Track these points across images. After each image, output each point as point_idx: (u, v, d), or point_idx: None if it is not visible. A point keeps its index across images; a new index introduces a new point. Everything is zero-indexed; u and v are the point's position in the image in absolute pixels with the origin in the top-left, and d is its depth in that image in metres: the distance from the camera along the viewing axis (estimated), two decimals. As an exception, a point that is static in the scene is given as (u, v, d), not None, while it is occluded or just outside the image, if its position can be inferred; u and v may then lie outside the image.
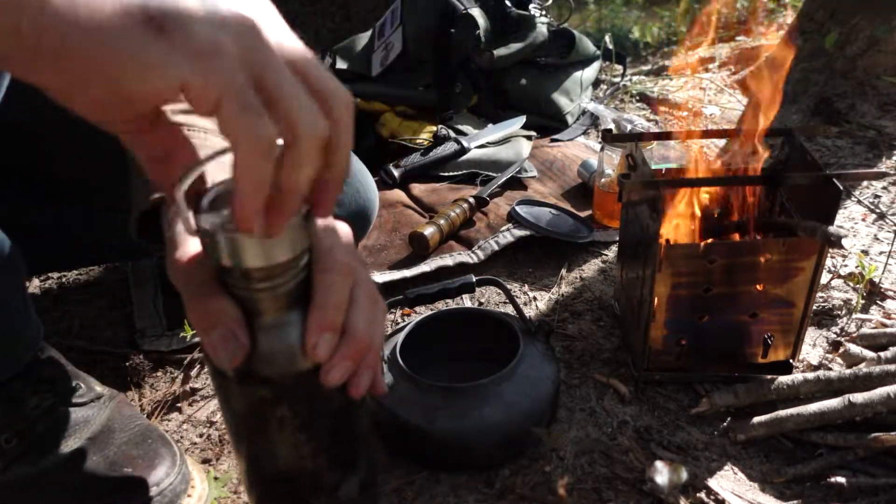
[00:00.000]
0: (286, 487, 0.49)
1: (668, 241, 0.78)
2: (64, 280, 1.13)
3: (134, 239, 0.56)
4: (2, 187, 0.82)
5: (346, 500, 0.51)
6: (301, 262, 0.41)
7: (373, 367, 0.45)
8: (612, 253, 1.13)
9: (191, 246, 0.43)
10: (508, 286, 1.01)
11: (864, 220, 1.19)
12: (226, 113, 0.33)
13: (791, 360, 0.83)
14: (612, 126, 1.42)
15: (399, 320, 1.00)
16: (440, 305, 0.99)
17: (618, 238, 1.06)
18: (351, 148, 0.39)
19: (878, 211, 1.21)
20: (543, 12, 1.60)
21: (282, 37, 0.39)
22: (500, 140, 1.41)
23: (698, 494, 0.70)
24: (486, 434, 0.71)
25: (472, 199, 1.19)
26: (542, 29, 1.55)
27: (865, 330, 0.89)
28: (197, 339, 0.92)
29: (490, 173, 1.34)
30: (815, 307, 0.96)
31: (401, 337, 0.80)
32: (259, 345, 0.41)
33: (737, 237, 0.85)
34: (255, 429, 0.46)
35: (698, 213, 0.82)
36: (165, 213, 0.50)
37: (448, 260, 1.09)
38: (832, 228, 0.71)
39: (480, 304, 1.03)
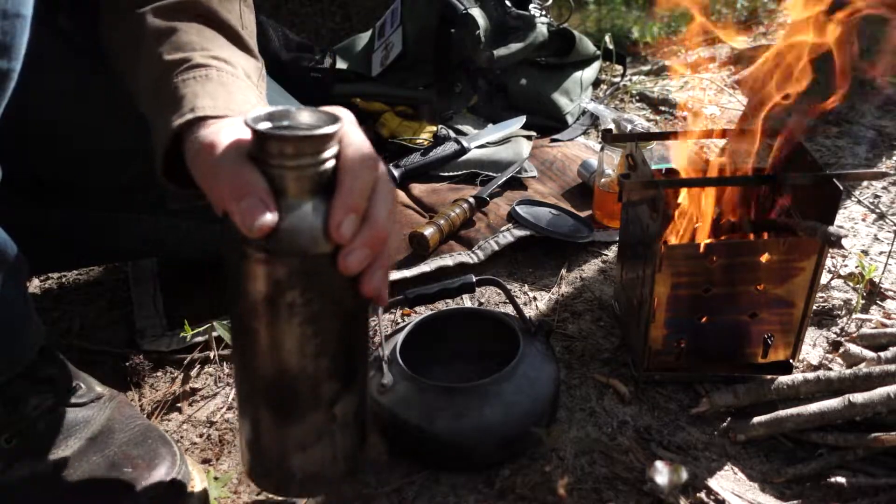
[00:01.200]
0: (282, 394, 0.49)
1: (665, 241, 0.78)
2: (64, 280, 1.13)
3: (160, 182, 0.61)
4: (3, 188, 0.82)
5: (341, 423, 0.51)
6: (329, 152, 0.44)
7: (385, 267, 0.48)
8: (612, 253, 1.13)
9: (223, 137, 0.49)
10: (508, 286, 1.01)
11: (864, 220, 1.19)
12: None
13: (791, 360, 0.83)
14: (612, 126, 1.42)
15: (399, 320, 1.00)
16: (440, 305, 1.00)
17: (618, 238, 1.06)
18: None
19: (878, 211, 1.21)
20: (543, 12, 1.60)
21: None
22: (500, 140, 1.41)
23: (698, 494, 0.70)
24: (486, 434, 0.71)
25: (472, 199, 1.19)
26: (542, 29, 1.55)
27: (865, 330, 0.89)
28: (197, 339, 0.92)
29: (490, 173, 1.34)
30: (815, 307, 0.96)
31: (401, 337, 0.80)
32: (283, 222, 0.44)
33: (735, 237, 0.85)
34: (264, 316, 0.46)
35: (706, 213, 0.82)
36: (190, 140, 0.54)
37: (448, 260, 1.09)
38: (832, 228, 0.71)
39: (480, 304, 1.03)
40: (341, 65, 1.62)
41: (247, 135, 0.46)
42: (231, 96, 0.59)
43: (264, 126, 0.44)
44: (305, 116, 0.46)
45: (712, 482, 0.71)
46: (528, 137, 1.47)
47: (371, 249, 0.46)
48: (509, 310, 0.97)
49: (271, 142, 0.43)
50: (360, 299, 0.48)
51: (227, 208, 0.45)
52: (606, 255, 1.13)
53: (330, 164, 0.45)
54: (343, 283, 0.46)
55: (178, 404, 0.86)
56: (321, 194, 0.45)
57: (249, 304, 0.46)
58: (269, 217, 0.43)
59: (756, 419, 0.77)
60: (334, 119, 0.45)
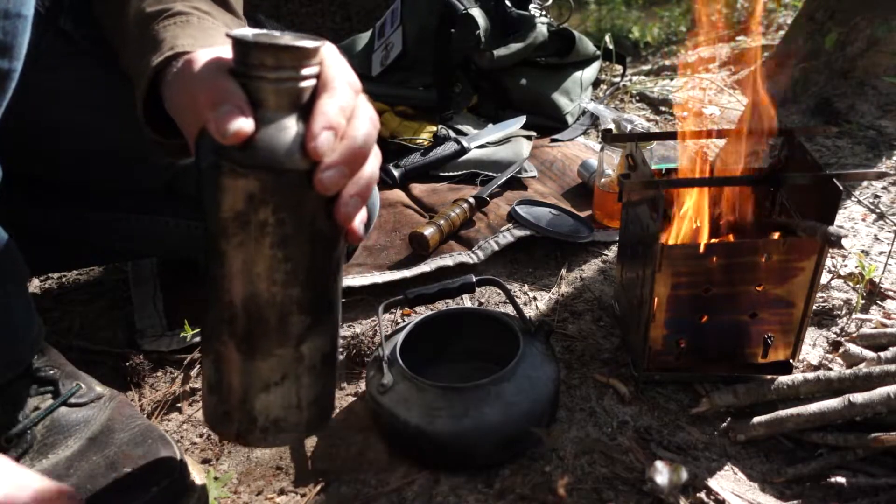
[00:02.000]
0: (248, 324, 0.48)
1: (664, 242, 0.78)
2: (64, 280, 1.13)
3: (141, 123, 0.60)
4: (3, 189, 0.83)
5: (308, 364, 0.50)
6: (310, 69, 0.45)
7: (361, 196, 0.47)
8: (612, 253, 1.13)
9: (201, 55, 0.49)
10: (508, 286, 1.01)
11: (864, 220, 1.19)
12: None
13: (791, 360, 0.83)
14: (612, 126, 1.42)
15: (399, 320, 1.00)
16: (440, 305, 1.00)
17: (618, 238, 1.06)
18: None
19: (878, 211, 1.21)
20: (543, 12, 1.60)
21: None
22: (500, 140, 1.41)
23: (698, 494, 0.70)
24: (486, 434, 0.71)
25: (472, 199, 1.19)
26: (542, 29, 1.55)
27: (865, 330, 0.89)
28: (197, 340, 0.92)
29: (490, 173, 1.34)
30: (815, 307, 0.96)
31: (401, 337, 0.80)
32: (259, 135, 0.43)
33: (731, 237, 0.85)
34: (234, 236, 0.45)
35: (705, 213, 0.82)
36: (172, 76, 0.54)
37: (448, 260, 1.09)
38: (832, 228, 0.71)
39: (480, 303, 1.03)
40: (341, 65, 1.62)
41: (227, 55, 0.47)
42: (211, 39, 0.60)
43: (246, 36, 0.44)
44: (289, 37, 0.45)
45: (712, 482, 0.71)
46: (528, 137, 1.47)
47: (348, 169, 0.45)
48: (509, 310, 0.97)
49: (252, 51, 0.43)
50: (334, 226, 0.47)
51: (203, 117, 0.44)
52: (606, 255, 1.13)
53: (310, 82, 0.45)
54: (318, 204, 0.45)
55: (178, 404, 0.86)
56: (300, 112, 0.45)
57: (220, 222, 0.45)
58: (245, 122, 0.42)
59: (756, 419, 0.76)
60: (317, 41, 0.45)
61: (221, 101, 0.43)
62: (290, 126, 0.44)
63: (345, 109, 0.46)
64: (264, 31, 0.45)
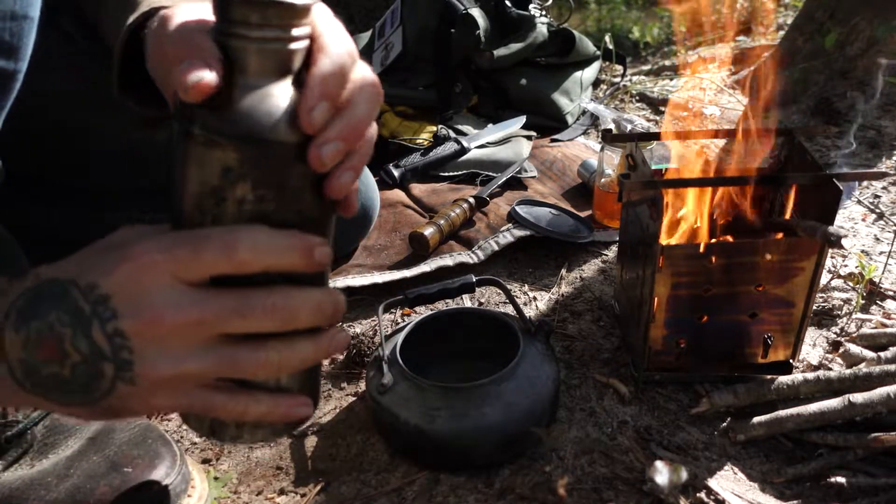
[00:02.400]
0: None
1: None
2: (64, 280, 1.13)
3: (114, 88, 0.58)
4: (6, 190, 0.83)
5: None
6: (300, 30, 0.40)
7: (356, 169, 0.43)
8: (612, 253, 1.13)
9: (181, 11, 0.45)
10: (508, 286, 1.01)
11: (864, 220, 1.19)
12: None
13: (791, 360, 0.83)
14: (612, 126, 1.42)
15: (399, 320, 1.00)
16: (440, 305, 1.00)
17: (618, 238, 1.06)
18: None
19: (878, 211, 1.21)
20: (543, 12, 1.60)
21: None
22: (500, 140, 1.41)
23: (698, 494, 0.70)
24: (486, 434, 0.71)
25: (472, 199, 1.19)
26: (542, 29, 1.55)
27: (865, 330, 0.89)
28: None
29: (490, 173, 1.34)
30: (815, 307, 0.96)
31: (401, 337, 0.80)
32: (240, 102, 0.39)
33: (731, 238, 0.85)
34: (208, 213, 0.40)
35: (704, 213, 0.82)
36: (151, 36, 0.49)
37: (448, 260, 1.09)
38: (832, 228, 0.71)
39: (480, 304, 1.03)
40: (341, 65, 1.62)
41: (209, 16, 0.42)
42: None
43: None
44: None
45: (712, 482, 0.71)
46: (528, 137, 1.47)
47: (346, 144, 0.41)
48: (509, 310, 0.97)
49: (234, 6, 0.38)
50: (322, 206, 0.43)
51: (172, 76, 0.40)
52: (606, 255, 1.13)
53: (300, 44, 0.40)
54: (304, 181, 0.41)
55: (178, 404, 0.86)
56: (288, 78, 0.40)
57: (191, 198, 0.40)
58: (207, 74, 0.38)
59: (756, 419, 0.76)
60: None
61: (188, 57, 0.39)
62: (277, 93, 0.40)
63: (341, 75, 0.41)
64: None
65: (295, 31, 0.40)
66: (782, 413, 0.76)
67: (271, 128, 0.39)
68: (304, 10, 0.40)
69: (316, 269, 0.42)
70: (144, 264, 0.40)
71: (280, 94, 0.40)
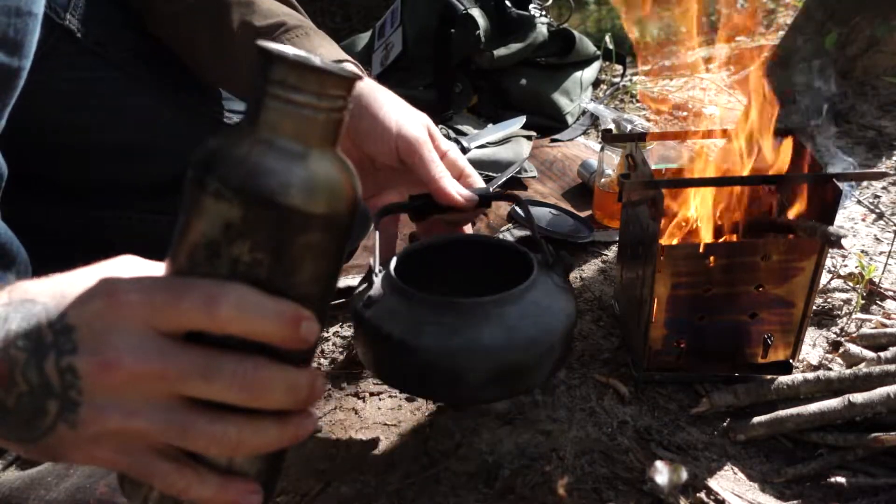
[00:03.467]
0: None
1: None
2: (64, 280, 1.13)
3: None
4: (9, 188, 0.83)
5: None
6: (338, 101, 0.39)
7: None
8: (612, 253, 1.13)
9: None
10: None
11: (863, 220, 1.19)
12: None
13: (791, 360, 0.83)
14: (612, 126, 1.42)
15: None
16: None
17: (618, 238, 1.06)
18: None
19: (878, 211, 1.21)
20: (543, 12, 1.60)
21: None
22: (500, 140, 1.41)
23: (698, 494, 0.70)
24: (481, 357, 0.61)
25: (472, 199, 1.19)
26: (542, 29, 1.55)
27: (865, 330, 0.90)
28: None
29: (490, 173, 1.34)
30: (815, 307, 0.96)
31: (400, 254, 0.72)
32: (257, 157, 0.37)
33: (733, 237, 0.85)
34: (198, 266, 0.39)
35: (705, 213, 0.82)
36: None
37: (448, 260, 1.08)
38: (832, 228, 0.71)
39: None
40: (341, 65, 1.62)
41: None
42: (333, 46, 0.74)
43: (280, 51, 0.38)
44: (321, 61, 0.39)
45: (712, 482, 0.71)
46: (528, 137, 1.47)
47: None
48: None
49: (273, 64, 0.37)
50: (321, 283, 0.41)
51: None
52: (606, 255, 1.13)
53: (336, 116, 0.39)
54: (307, 252, 0.39)
55: (178, 404, 0.86)
56: (315, 146, 0.39)
57: (188, 246, 0.39)
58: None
59: (756, 419, 0.77)
60: (352, 71, 0.39)
61: None
62: (300, 158, 0.38)
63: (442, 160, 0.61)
64: (301, 52, 0.40)
65: (335, 103, 0.39)
66: (782, 413, 0.76)
67: (282, 191, 0.37)
68: (347, 82, 0.39)
69: (300, 345, 0.39)
70: (119, 303, 0.38)
71: (302, 160, 0.38)
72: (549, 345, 0.63)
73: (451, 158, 0.74)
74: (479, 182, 0.75)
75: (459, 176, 0.74)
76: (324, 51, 0.73)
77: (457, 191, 0.70)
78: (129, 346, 0.37)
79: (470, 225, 0.81)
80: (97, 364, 0.37)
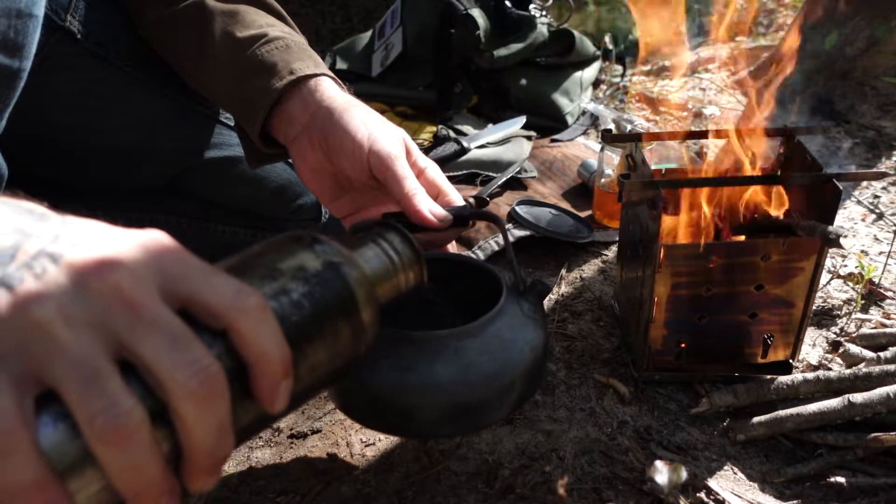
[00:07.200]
0: None
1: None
2: (64, 280, 1.13)
3: (255, 137, 0.75)
4: (9, 189, 0.83)
5: None
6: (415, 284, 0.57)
7: None
8: (612, 253, 1.13)
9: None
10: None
11: (863, 220, 1.20)
12: None
13: (791, 360, 0.83)
14: (612, 126, 1.42)
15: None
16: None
17: (618, 238, 1.06)
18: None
19: (877, 211, 1.21)
20: (543, 12, 1.60)
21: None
22: (500, 140, 1.41)
23: (698, 494, 0.70)
24: (432, 395, 0.58)
25: (472, 200, 1.19)
26: (542, 29, 1.55)
27: (865, 330, 0.90)
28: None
29: (490, 173, 1.34)
30: (815, 307, 0.96)
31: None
32: (359, 254, 0.52)
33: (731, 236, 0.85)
34: (248, 274, 0.40)
35: (706, 213, 0.82)
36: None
37: (448, 260, 1.08)
38: (832, 228, 0.71)
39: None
40: (341, 65, 1.63)
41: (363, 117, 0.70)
42: (311, 59, 0.74)
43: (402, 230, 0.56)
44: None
45: (712, 482, 0.71)
46: (528, 137, 1.47)
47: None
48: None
49: (400, 240, 0.55)
50: (317, 377, 0.43)
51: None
52: (606, 255, 1.13)
53: (402, 281, 0.55)
54: (333, 337, 0.43)
55: (179, 404, 0.86)
56: (385, 295, 0.54)
57: (251, 260, 0.42)
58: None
59: (756, 419, 0.77)
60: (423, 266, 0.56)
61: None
62: (378, 292, 0.52)
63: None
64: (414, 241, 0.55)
65: (406, 275, 0.56)
66: (782, 413, 0.76)
67: (360, 283, 0.46)
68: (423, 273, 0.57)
69: (268, 393, 0.37)
70: (154, 239, 0.35)
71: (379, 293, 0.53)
72: (508, 381, 0.60)
73: (428, 176, 0.71)
74: (458, 201, 0.72)
75: (437, 195, 0.71)
76: (299, 64, 0.72)
77: (429, 209, 0.66)
78: (132, 273, 0.33)
79: (454, 243, 0.76)
80: (91, 260, 0.33)
